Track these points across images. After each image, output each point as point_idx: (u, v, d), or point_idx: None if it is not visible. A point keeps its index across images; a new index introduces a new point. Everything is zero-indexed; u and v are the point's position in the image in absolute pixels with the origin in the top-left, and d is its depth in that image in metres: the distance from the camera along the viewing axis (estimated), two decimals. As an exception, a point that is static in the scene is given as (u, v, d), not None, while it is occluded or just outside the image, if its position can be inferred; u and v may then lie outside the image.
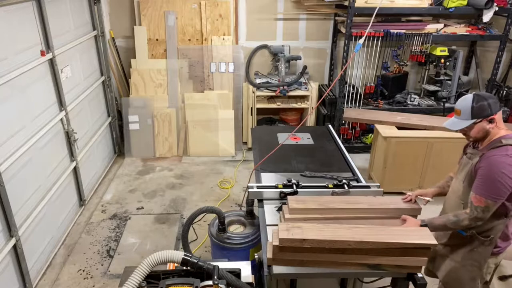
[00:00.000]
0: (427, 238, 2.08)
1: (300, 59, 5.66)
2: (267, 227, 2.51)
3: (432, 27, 5.17)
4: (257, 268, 2.41)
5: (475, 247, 2.33)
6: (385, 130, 4.55)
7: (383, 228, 2.18)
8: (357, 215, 2.42)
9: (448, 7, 4.88)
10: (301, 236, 2.06)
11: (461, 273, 2.41)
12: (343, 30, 5.19)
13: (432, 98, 5.63)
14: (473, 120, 2.17)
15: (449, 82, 5.47)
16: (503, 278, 2.76)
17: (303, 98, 5.68)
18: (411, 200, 2.53)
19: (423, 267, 2.19)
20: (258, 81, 5.64)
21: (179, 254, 1.97)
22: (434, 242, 2.06)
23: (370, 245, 2.06)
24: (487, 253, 2.33)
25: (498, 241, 2.31)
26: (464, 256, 2.38)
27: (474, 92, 2.25)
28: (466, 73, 5.96)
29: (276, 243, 2.09)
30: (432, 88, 5.55)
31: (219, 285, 1.90)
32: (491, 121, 2.17)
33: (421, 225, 2.25)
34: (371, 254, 2.10)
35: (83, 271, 3.58)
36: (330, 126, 4.15)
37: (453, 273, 2.45)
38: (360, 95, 5.42)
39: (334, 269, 2.16)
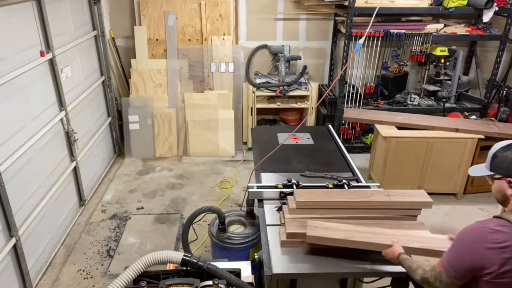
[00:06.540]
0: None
1: (300, 59, 5.66)
2: (267, 227, 2.50)
3: (432, 27, 5.17)
4: (257, 268, 2.41)
5: None
6: (385, 130, 4.55)
7: (387, 231, 2.18)
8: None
9: (448, 7, 4.88)
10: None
11: None
12: (343, 30, 5.19)
13: (432, 98, 5.63)
14: (491, 173, 1.78)
15: (449, 82, 5.46)
16: None
17: (303, 98, 5.68)
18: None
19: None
20: (258, 81, 5.64)
21: (179, 255, 1.97)
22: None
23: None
24: None
25: None
26: None
27: None
28: (466, 73, 5.96)
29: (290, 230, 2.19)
30: (432, 88, 5.54)
31: (219, 285, 1.90)
32: (511, 184, 1.71)
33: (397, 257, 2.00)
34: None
35: (83, 271, 3.58)
36: (330, 126, 4.15)
37: None
38: (360, 95, 5.41)
39: (334, 269, 2.16)
